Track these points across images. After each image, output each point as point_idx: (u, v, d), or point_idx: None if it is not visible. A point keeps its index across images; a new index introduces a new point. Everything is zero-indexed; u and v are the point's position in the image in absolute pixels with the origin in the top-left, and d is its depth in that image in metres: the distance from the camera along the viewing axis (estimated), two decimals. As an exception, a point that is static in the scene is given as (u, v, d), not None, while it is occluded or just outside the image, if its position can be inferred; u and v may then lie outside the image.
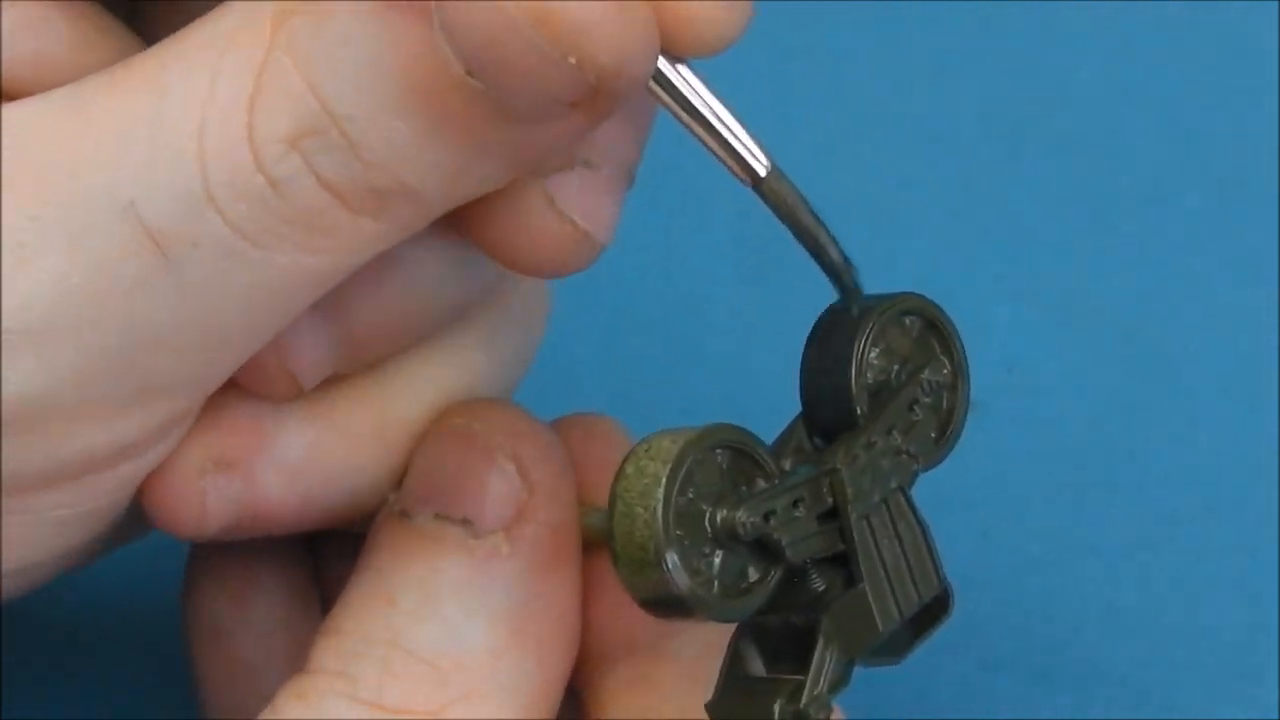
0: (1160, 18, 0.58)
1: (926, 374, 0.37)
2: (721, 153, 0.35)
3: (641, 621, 0.35)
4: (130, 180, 0.33)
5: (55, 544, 0.36)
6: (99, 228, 0.33)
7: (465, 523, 0.37)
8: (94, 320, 0.33)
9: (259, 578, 0.42)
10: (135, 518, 0.39)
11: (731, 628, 0.36)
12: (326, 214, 0.33)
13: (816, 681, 0.34)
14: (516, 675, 0.37)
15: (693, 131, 0.35)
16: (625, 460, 0.34)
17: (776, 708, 0.34)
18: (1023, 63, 0.58)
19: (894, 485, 0.36)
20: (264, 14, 0.33)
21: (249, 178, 0.33)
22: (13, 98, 0.34)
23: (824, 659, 0.35)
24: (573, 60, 0.31)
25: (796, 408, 0.37)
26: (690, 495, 0.34)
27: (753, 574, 0.35)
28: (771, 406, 0.37)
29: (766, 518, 0.34)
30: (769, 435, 0.36)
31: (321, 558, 0.42)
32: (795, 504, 0.35)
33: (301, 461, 0.38)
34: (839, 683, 0.35)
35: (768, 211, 0.36)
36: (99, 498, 0.36)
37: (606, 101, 0.32)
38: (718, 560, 0.34)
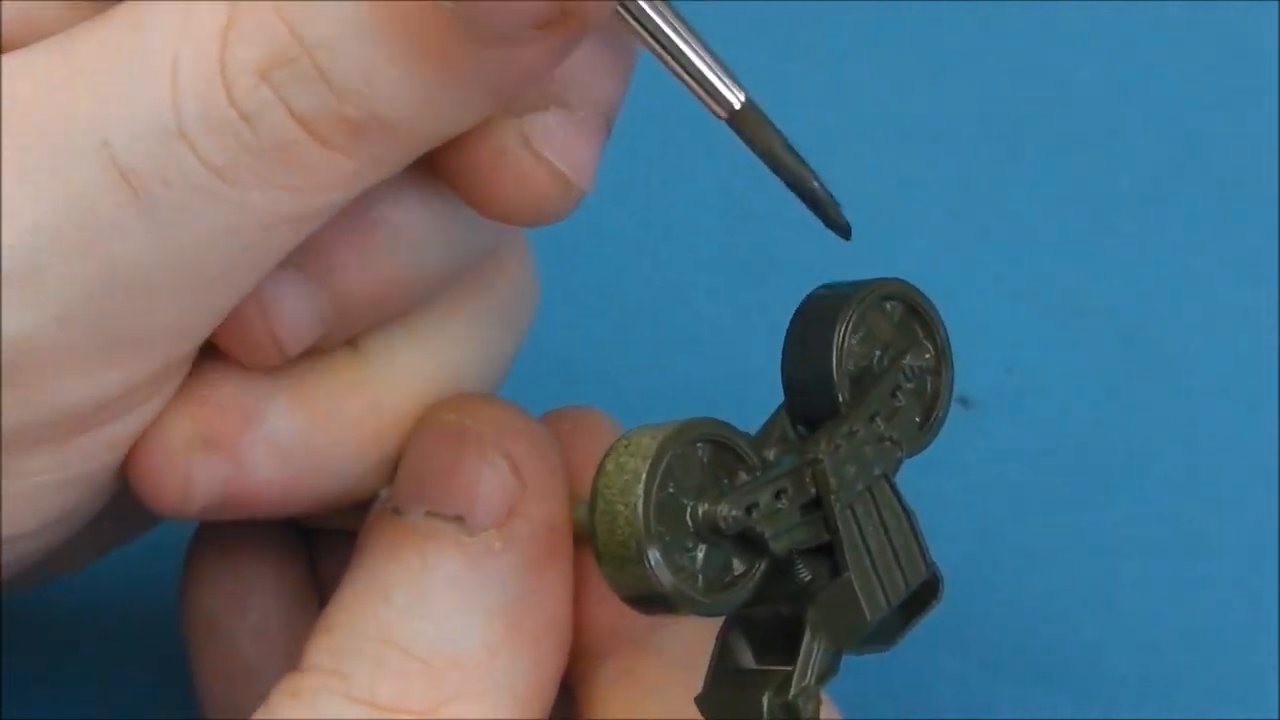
0: (1160, 18, 0.58)
1: (909, 359, 0.37)
2: (694, 85, 0.35)
3: (629, 616, 0.35)
4: (105, 118, 0.33)
5: (40, 512, 0.36)
6: (75, 168, 0.33)
7: (458, 520, 0.37)
8: (71, 263, 0.33)
9: (256, 577, 0.42)
10: (127, 514, 0.39)
11: (720, 620, 0.36)
12: (299, 148, 0.33)
13: (804, 672, 0.34)
14: (511, 673, 0.37)
15: (664, 63, 0.34)
16: (606, 456, 0.34)
17: (765, 700, 0.34)
18: (1023, 63, 0.58)
19: (877, 473, 0.36)
20: None
21: (221, 112, 0.33)
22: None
23: (811, 650, 0.35)
24: None
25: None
26: (671, 490, 0.34)
27: (737, 567, 0.35)
28: (763, 397, 0.37)
29: (749, 510, 0.34)
30: (761, 425, 0.36)
31: (319, 557, 0.42)
32: (778, 495, 0.35)
33: (289, 444, 0.37)
34: (827, 673, 0.35)
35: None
36: (82, 462, 0.36)
37: (576, 24, 0.32)
38: (701, 555, 0.34)
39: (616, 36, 0.35)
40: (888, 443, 0.36)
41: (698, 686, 0.35)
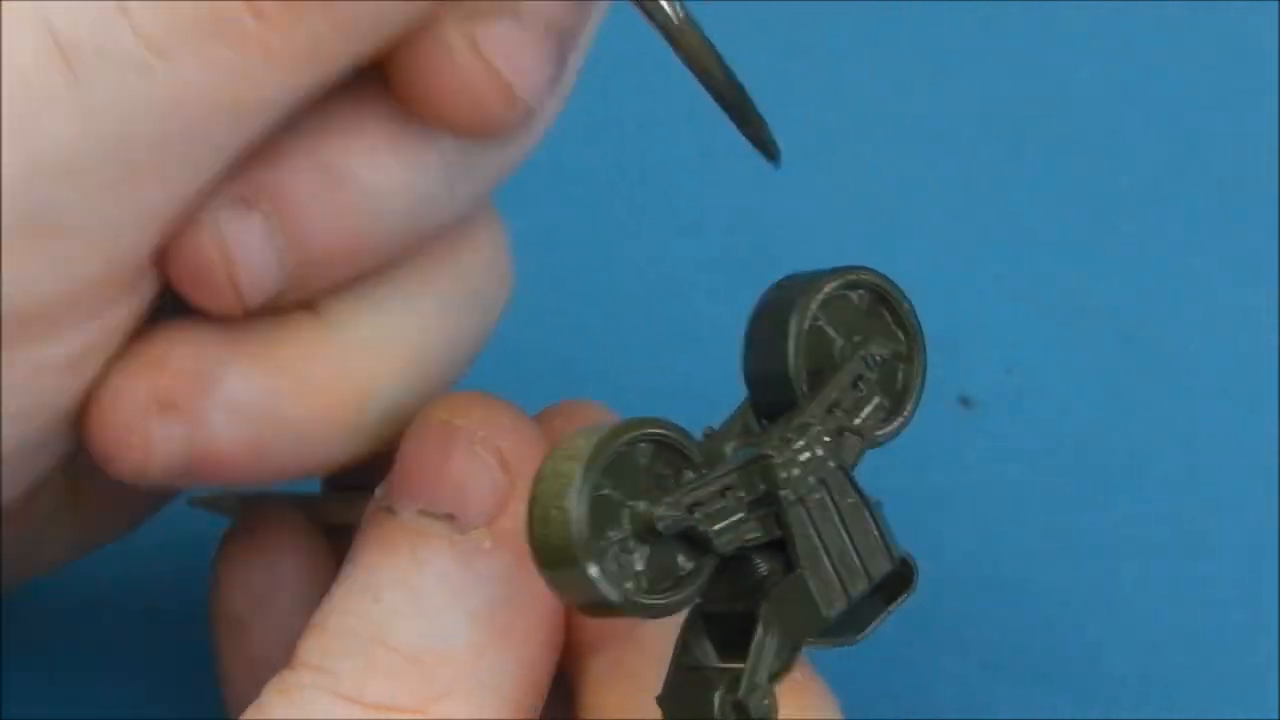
0: (1160, 18, 0.58)
1: (872, 348, 0.36)
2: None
3: None
4: None
5: None
6: (14, 39, 0.33)
7: (449, 518, 0.37)
8: (3, 142, 0.33)
9: (282, 576, 0.42)
10: (97, 508, 0.39)
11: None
12: (232, 19, 0.33)
13: (755, 669, 0.34)
14: (499, 672, 0.37)
15: None
16: (543, 461, 0.34)
17: (716, 698, 0.34)
18: (1023, 63, 0.58)
19: (833, 465, 0.35)
20: None
21: None
22: None
23: (763, 646, 0.34)
24: None
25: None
26: (609, 491, 0.33)
27: (684, 565, 0.34)
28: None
29: (691, 509, 0.34)
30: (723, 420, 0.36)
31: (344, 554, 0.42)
32: (724, 492, 0.34)
33: (251, 408, 0.37)
34: (782, 670, 0.34)
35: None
36: (25, 382, 0.35)
37: None
38: (641, 556, 0.34)
39: None
40: (848, 434, 0.35)
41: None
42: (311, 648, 0.37)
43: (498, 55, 0.35)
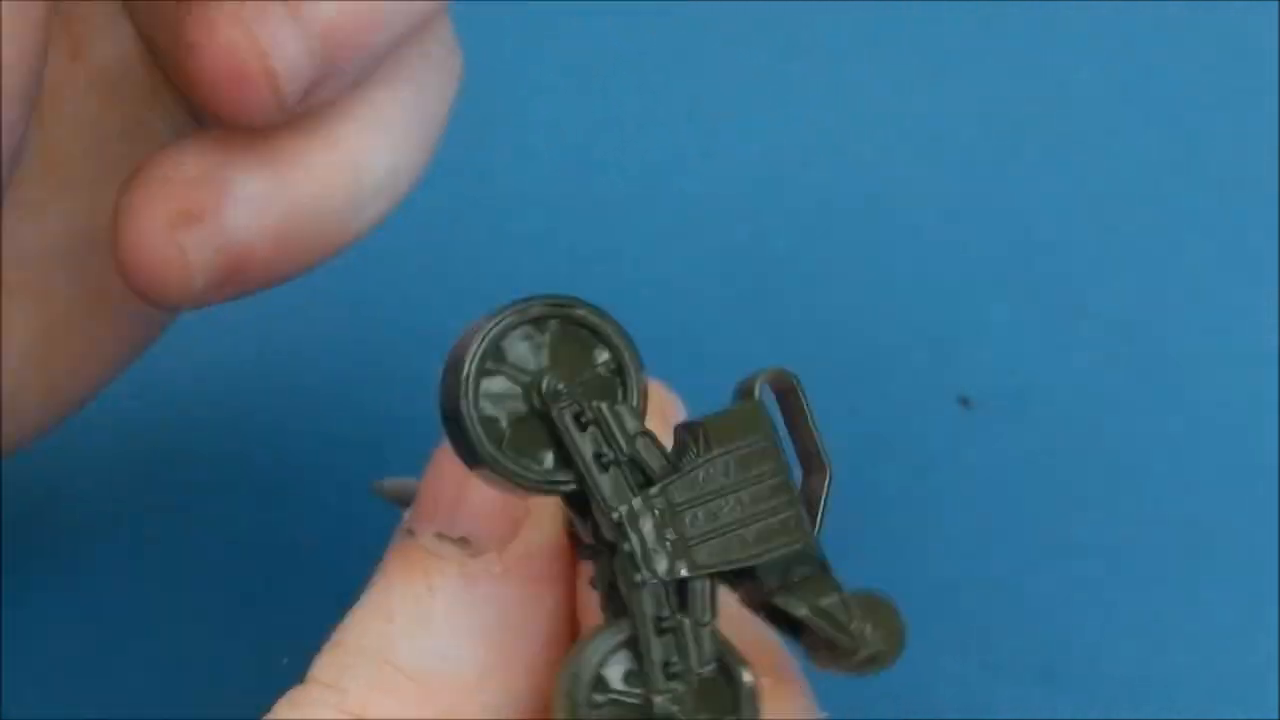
0: (1160, 18, 0.58)
1: (579, 378, 0.35)
2: None
3: None
4: None
5: None
6: None
7: (463, 541, 0.37)
8: None
9: None
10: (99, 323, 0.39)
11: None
12: None
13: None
14: (504, 697, 0.37)
15: None
16: None
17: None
18: (1023, 63, 0.58)
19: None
20: None
21: None
22: None
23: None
24: None
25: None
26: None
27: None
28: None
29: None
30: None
31: None
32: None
33: (267, 199, 0.38)
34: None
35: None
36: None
37: None
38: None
39: None
40: (634, 462, 0.35)
41: None
42: (325, 664, 0.37)
43: (256, 25, 0.36)
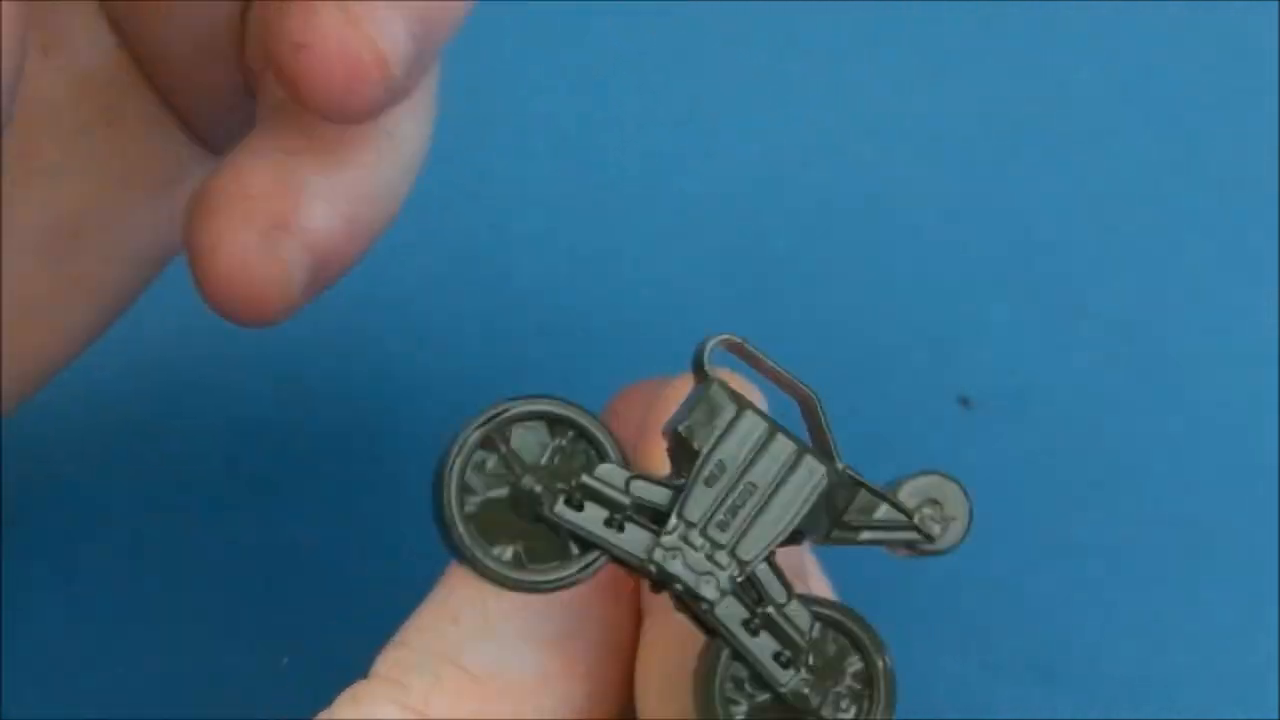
0: (1160, 18, 0.58)
1: (553, 462, 0.35)
2: None
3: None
4: None
5: None
6: None
7: None
8: None
9: None
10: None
11: None
12: None
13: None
14: (564, 702, 0.37)
15: None
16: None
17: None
18: (1023, 63, 0.58)
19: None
20: None
21: None
22: None
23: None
24: None
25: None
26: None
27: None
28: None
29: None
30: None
31: None
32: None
33: (336, 191, 0.38)
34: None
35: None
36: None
37: None
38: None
39: None
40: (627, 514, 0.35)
41: None
42: (389, 661, 0.37)
43: (366, 18, 0.36)
